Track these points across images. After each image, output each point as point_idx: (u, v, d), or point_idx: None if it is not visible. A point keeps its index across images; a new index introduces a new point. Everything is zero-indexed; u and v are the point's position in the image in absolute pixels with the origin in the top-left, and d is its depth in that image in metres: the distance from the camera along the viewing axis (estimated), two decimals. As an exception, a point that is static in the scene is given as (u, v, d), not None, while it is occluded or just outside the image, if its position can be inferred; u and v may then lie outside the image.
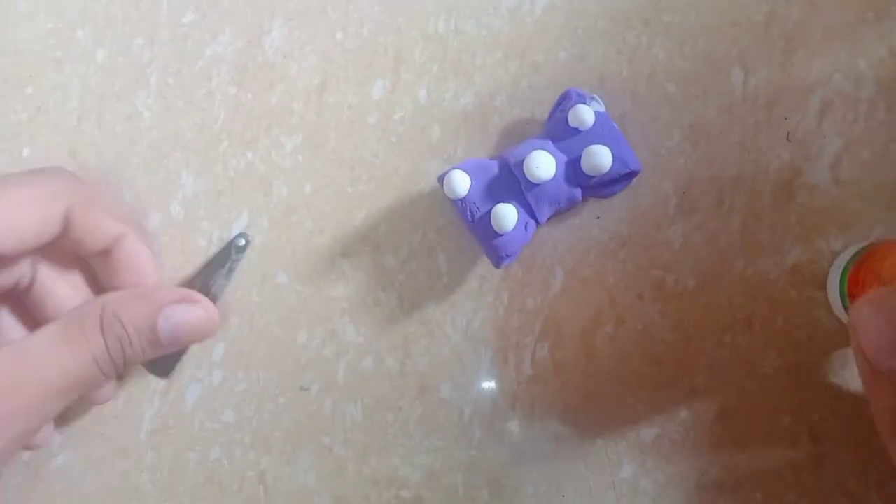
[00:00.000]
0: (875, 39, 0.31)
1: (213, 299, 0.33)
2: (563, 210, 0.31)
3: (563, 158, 0.30)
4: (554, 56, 0.33)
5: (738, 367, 0.31)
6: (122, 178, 0.35)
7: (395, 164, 0.33)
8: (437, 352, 0.33)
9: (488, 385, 0.32)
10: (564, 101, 0.31)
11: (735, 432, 0.31)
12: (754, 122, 0.31)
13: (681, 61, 0.32)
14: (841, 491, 0.30)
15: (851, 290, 0.28)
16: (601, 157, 0.29)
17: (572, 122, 0.30)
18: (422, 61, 0.34)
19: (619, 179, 0.30)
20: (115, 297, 0.28)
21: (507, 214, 0.29)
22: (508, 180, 0.30)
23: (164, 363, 0.33)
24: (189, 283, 0.34)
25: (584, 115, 0.29)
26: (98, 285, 0.32)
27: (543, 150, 0.30)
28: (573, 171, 0.30)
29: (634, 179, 0.31)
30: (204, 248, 0.34)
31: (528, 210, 0.30)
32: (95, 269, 0.32)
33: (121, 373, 0.28)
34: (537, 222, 0.30)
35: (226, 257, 0.33)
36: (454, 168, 0.30)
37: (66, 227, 0.29)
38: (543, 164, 0.29)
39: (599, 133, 0.30)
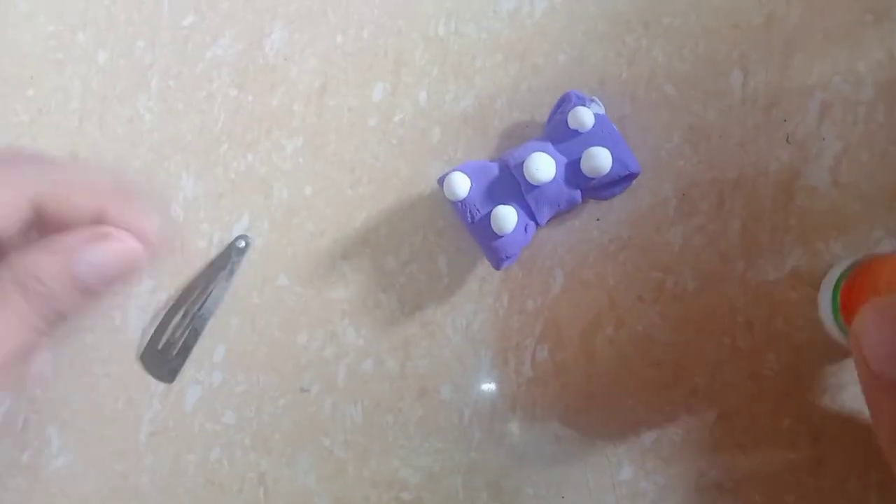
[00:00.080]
0: (874, 42, 0.31)
1: (214, 302, 0.33)
2: (563, 212, 0.31)
3: (563, 160, 0.30)
4: (554, 58, 0.33)
5: (738, 368, 0.31)
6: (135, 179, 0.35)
7: (395, 166, 0.34)
8: (438, 353, 0.33)
9: (488, 387, 0.32)
10: (564, 104, 0.31)
11: (735, 434, 0.31)
12: (754, 125, 0.31)
13: (680, 64, 0.32)
14: (840, 493, 0.30)
15: (845, 306, 0.28)
16: (601, 159, 0.29)
17: (572, 125, 0.30)
18: (422, 64, 0.34)
19: (618, 181, 0.30)
20: (25, 256, 0.27)
21: (507, 216, 0.29)
22: (508, 182, 0.30)
23: (167, 368, 0.33)
24: (190, 286, 0.34)
25: (584, 117, 0.30)
26: None
27: (543, 152, 0.30)
28: (573, 172, 0.30)
29: (634, 181, 0.31)
30: (204, 249, 0.34)
31: (527, 212, 0.30)
32: None
33: (60, 324, 0.28)
34: (537, 224, 0.30)
35: (226, 259, 0.33)
36: (454, 170, 0.30)
37: (38, 212, 0.28)
38: (543, 166, 0.29)
39: (599, 135, 0.30)
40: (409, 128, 0.34)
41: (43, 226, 0.28)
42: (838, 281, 0.29)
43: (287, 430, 0.33)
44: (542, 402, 0.32)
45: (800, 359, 0.30)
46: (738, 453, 0.31)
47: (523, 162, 0.30)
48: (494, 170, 0.31)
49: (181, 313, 0.33)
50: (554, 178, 0.30)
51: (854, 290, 0.28)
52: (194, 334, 0.33)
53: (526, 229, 0.30)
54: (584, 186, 0.30)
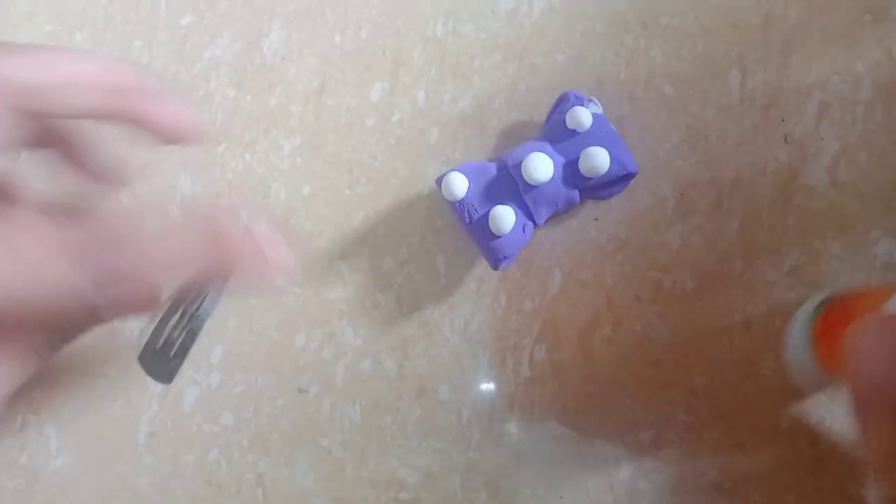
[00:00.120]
0: (873, 42, 0.31)
1: (211, 302, 0.33)
2: (561, 212, 0.31)
3: (561, 160, 0.30)
4: (552, 58, 0.33)
5: (737, 368, 0.31)
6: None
7: (393, 166, 0.34)
8: (436, 354, 0.33)
9: (486, 387, 0.32)
10: (562, 104, 0.31)
11: (733, 434, 0.31)
12: (752, 125, 0.31)
13: (678, 63, 0.32)
14: (839, 493, 0.30)
15: (822, 339, 0.27)
16: (599, 159, 0.29)
17: (570, 125, 0.30)
18: (420, 64, 0.34)
19: (616, 181, 0.30)
20: None
21: (505, 216, 0.29)
22: (506, 182, 0.30)
23: (165, 368, 0.33)
24: (187, 286, 0.33)
25: (582, 117, 0.30)
26: None
27: (541, 152, 0.30)
28: (571, 172, 0.30)
29: (632, 181, 0.31)
30: (202, 250, 0.34)
31: (525, 212, 0.30)
32: None
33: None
34: (535, 224, 0.30)
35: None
36: (452, 170, 0.30)
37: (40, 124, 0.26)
38: (541, 166, 0.29)
39: (597, 135, 0.30)
40: (407, 128, 0.34)
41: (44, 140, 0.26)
42: (812, 315, 0.28)
43: (285, 430, 0.33)
44: (540, 402, 0.32)
45: (798, 359, 0.30)
46: (737, 453, 0.31)
47: (521, 162, 0.30)
48: (492, 170, 0.31)
49: (179, 313, 0.33)
50: (552, 178, 0.30)
51: (832, 324, 0.27)
52: (192, 335, 0.33)
53: (524, 229, 0.30)
54: (582, 186, 0.30)
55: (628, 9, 0.33)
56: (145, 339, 0.34)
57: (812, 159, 0.31)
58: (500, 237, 0.30)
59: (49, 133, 0.28)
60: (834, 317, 0.27)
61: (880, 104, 0.31)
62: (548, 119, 0.32)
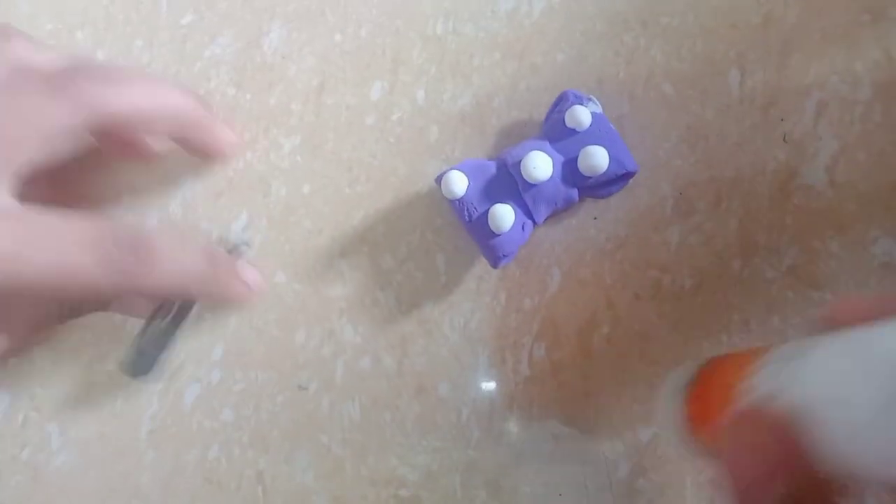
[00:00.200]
0: (871, 42, 0.31)
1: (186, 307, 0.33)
2: (560, 210, 0.31)
3: (560, 159, 0.30)
4: (552, 58, 0.33)
5: (735, 367, 0.31)
6: (122, 178, 0.35)
7: (393, 164, 0.34)
8: (435, 352, 0.33)
9: (486, 385, 0.32)
10: (561, 103, 0.31)
11: (731, 433, 0.31)
12: (751, 124, 0.32)
13: (678, 63, 0.32)
14: (837, 490, 0.30)
15: (695, 417, 0.25)
16: (598, 158, 0.29)
17: (569, 124, 0.30)
18: (420, 63, 0.34)
19: (615, 180, 0.31)
20: None
21: (505, 215, 0.29)
22: (506, 181, 0.30)
23: (142, 362, 0.32)
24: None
25: (581, 116, 0.30)
26: None
27: (541, 150, 0.30)
28: (570, 171, 0.30)
29: (631, 180, 0.31)
30: (203, 248, 0.34)
31: (525, 210, 0.30)
32: None
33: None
34: (534, 223, 0.31)
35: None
36: (452, 168, 0.30)
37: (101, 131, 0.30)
38: (541, 165, 0.29)
39: (596, 134, 0.30)
40: (406, 126, 0.34)
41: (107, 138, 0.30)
42: (684, 388, 0.26)
43: (285, 427, 0.33)
44: (539, 401, 0.32)
45: (796, 357, 0.31)
46: (735, 452, 0.31)
47: (521, 160, 0.30)
48: (492, 168, 0.31)
49: (163, 308, 0.33)
50: (551, 176, 0.30)
51: (701, 399, 0.25)
52: (171, 329, 0.33)
53: (523, 228, 0.30)
54: (581, 185, 0.30)
55: (628, 8, 0.33)
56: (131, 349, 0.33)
57: (811, 159, 0.31)
58: (499, 235, 0.30)
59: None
60: (704, 392, 0.25)
61: (879, 104, 0.31)
62: (547, 118, 0.32)
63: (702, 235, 0.31)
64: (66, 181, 0.34)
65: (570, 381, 0.32)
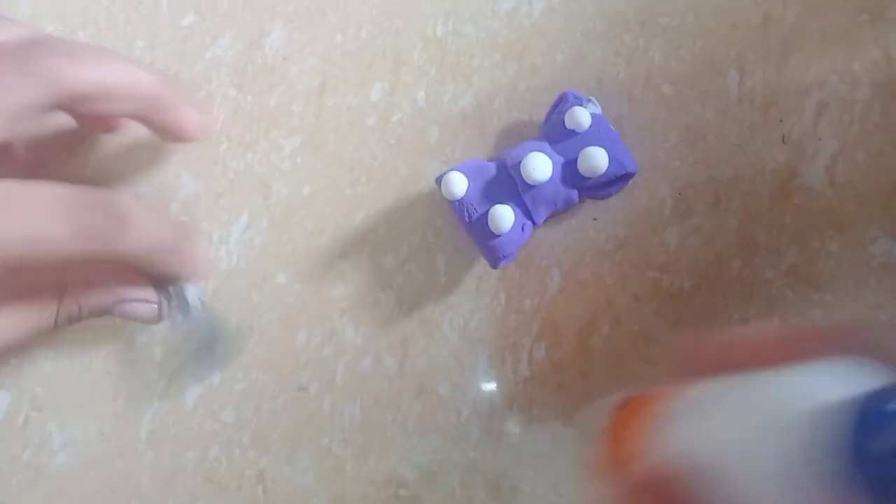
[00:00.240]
0: (871, 42, 0.31)
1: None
2: (560, 211, 0.31)
3: (560, 160, 0.30)
4: (552, 58, 0.33)
5: (735, 367, 0.31)
6: (123, 179, 0.35)
7: (393, 165, 0.34)
8: (436, 352, 0.33)
9: (486, 385, 0.32)
10: (561, 104, 0.31)
11: (731, 432, 0.31)
12: (750, 125, 0.32)
13: (677, 63, 0.32)
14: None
15: (603, 460, 0.24)
16: (597, 159, 0.29)
17: (569, 125, 0.30)
18: (420, 63, 0.34)
19: (615, 181, 0.31)
20: (80, 281, 0.29)
21: (504, 216, 0.30)
22: (506, 182, 0.30)
23: (209, 356, 0.33)
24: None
25: (581, 117, 0.30)
26: None
27: (540, 151, 0.30)
28: (570, 172, 0.30)
29: (631, 181, 0.31)
30: (203, 248, 0.34)
31: (524, 211, 0.30)
32: None
33: None
34: (534, 223, 0.31)
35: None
36: (452, 169, 0.30)
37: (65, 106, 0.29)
38: (540, 166, 0.29)
39: (596, 135, 0.30)
40: (407, 127, 0.34)
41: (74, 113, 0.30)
42: (594, 432, 0.25)
43: (286, 428, 0.33)
44: (539, 401, 0.32)
45: (796, 357, 0.31)
46: (735, 451, 0.31)
47: (520, 161, 0.30)
48: (492, 169, 0.31)
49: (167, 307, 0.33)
50: (551, 177, 0.30)
51: (610, 444, 0.24)
52: (185, 311, 0.33)
53: (523, 229, 0.30)
54: (580, 186, 0.30)
55: (628, 9, 0.33)
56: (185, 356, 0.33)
57: (810, 159, 0.31)
58: (499, 236, 0.30)
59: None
60: (611, 432, 0.24)
61: (878, 104, 0.31)
62: (547, 119, 0.32)
63: (701, 236, 0.32)
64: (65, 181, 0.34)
65: (570, 382, 0.32)
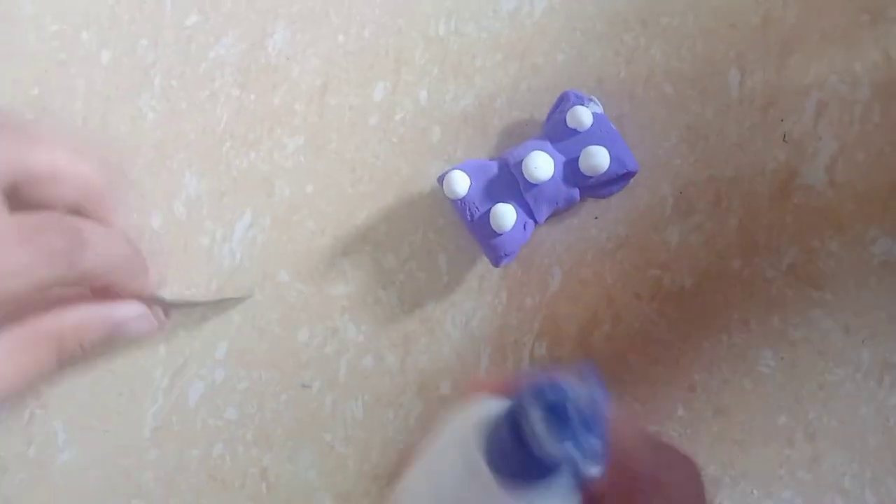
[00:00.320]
0: (870, 42, 0.31)
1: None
2: (562, 210, 0.31)
3: (562, 159, 0.30)
4: (553, 58, 0.33)
5: (735, 365, 0.31)
6: (127, 178, 0.35)
7: (395, 164, 0.34)
8: (437, 350, 0.33)
9: (487, 383, 0.33)
10: (563, 103, 0.31)
11: (732, 430, 0.31)
12: (751, 124, 0.32)
13: (678, 63, 0.32)
14: (836, 489, 0.30)
15: None
16: (599, 158, 0.29)
17: (570, 124, 0.30)
18: (422, 63, 0.34)
19: (616, 180, 0.31)
20: (75, 320, 0.29)
21: (506, 214, 0.30)
22: (507, 181, 0.31)
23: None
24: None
25: (582, 116, 0.30)
26: None
27: (542, 150, 0.30)
28: (571, 171, 0.30)
29: (632, 180, 0.32)
30: (206, 247, 0.34)
31: (526, 210, 0.30)
32: None
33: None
34: (536, 222, 0.31)
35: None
36: (454, 168, 0.31)
37: (12, 189, 0.28)
38: (542, 165, 0.30)
39: (597, 134, 0.30)
40: (409, 127, 0.34)
41: (12, 199, 0.28)
42: None
43: (288, 425, 0.33)
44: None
45: (795, 355, 0.31)
46: (736, 449, 0.31)
47: (522, 160, 0.30)
48: (494, 168, 0.31)
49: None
50: (552, 176, 0.30)
51: None
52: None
53: (525, 227, 0.30)
54: (582, 185, 0.30)
55: (628, 9, 0.33)
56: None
57: (810, 159, 0.31)
58: (501, 235, 0.30)
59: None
60: None
61: (878, 104, 0.31)
62: (548, 118, 0.32)
63: (702, 235, 0.32)
64: None
65: (572, 380, 0.32)
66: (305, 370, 0.33)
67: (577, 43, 0.33)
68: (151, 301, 0.32)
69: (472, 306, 0.33)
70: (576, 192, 0.30)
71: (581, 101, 0.30)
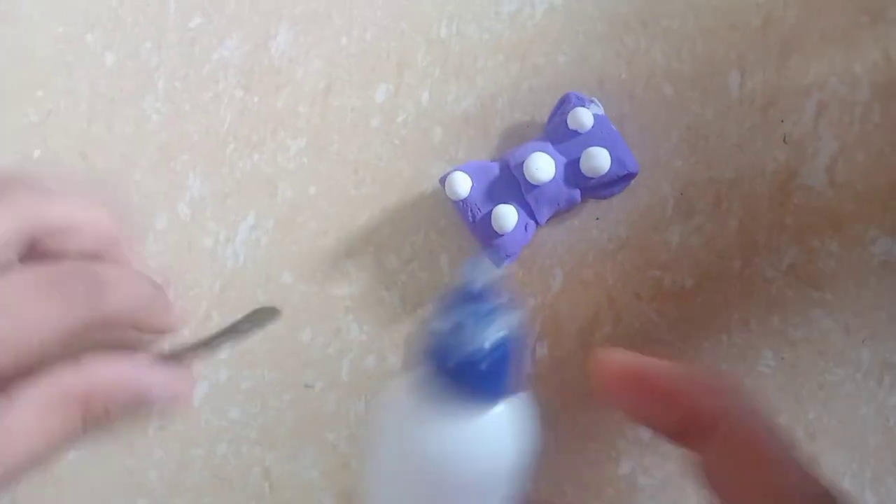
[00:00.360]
0: (870, 43, 0.31)
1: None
2: (563, 211, 0.32)
3: (563, 160, 0.30)
4: (554, 59, 0.34)
5: (735, 365, 0.31)
6: (130, 179, 0.36)
7: (397, 166, 0.34)
8: (439, 350, 0.33)
9: (489, 383, 0.33)
10: (564, 104, 0.31)
11: (732, 430, 0.31)
12: (751, 125, 0.32)
13: (679, 64, 0.33)
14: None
15: None
16: (600, 159, 0.30)
17: (571, 125, 0.30)
18: (424, 65, 0.34)
19: (617, 181, 0.31)
20: (103, 382, 0.29)
21: (508, 215, 0.30)
22: (509, 182, 0.31)
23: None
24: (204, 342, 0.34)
25: (583, 117, 0.30)
26: None
27: (543, 151, 0.30)
28: (572, 172, 0.30)
29: (633, 181, 0.32)
30: (210, 248, 0.35)
31: (527, 211, 0.31)
32: None
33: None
34: (537, 223, 0.31)
35: (247, 326, 0.34)
36: (455, 170, 0.31)
37: (29, 244, 0.29)
38: (543, 166, 0.30)
39: (598, 135, 0.30)
40: (411, 128, 0.34)
41: (31, 254, 0.29)
42: None
43: (292, 425, 0.34)
44: (541, 399, 0.32)
45: (795, 355, 0.31)
46: (736, 449, 0.31)
47: (523, 162, 0.30)
48: (495, 169, 0.31)
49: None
50: (553, 177, 0.30)
51: None
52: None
53: (526, 228, 0.31)
54: (583, 186, 0.31)
55: (629, 10, 0.33)
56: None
57: (810, 159, 0.31)
58: (502, 236, 0.30)
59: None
60: None
61: (878, 105, 0.31)
62: (550, 120, 0.32)
63: (702, 235, 0.32)
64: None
65: (572, 379, 0.32)
66: (308, 370, 0.34)
67: (579, 44, 0.33)
68: (178, 355, 0.32)
69: (474, 307, 0.33)
70: (577, 194, 0.31)
71: (582, 103, 0.31)
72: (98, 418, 0.28)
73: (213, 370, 0.34)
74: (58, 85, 0.37)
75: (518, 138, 0.33)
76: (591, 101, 0.31)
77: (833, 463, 0.30)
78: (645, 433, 0.31)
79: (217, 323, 0.34)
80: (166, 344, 0.33)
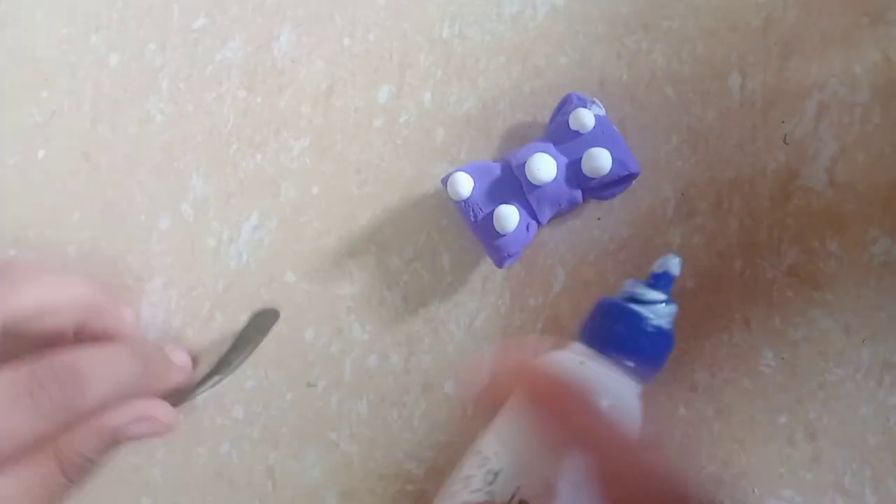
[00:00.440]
0: (870, 44, 0.32)
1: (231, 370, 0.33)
2: (564, 211, 0.32)
3: (564, 161, 0.31)
4: (555, 60, 0.34)
5: (736, 365, 0.31)
6: (134, 179, 0.36)
7: (400, 166, 0.34)
8: (441, 350, 0.33)
9: (491, 382, 0.33)
10: (565, 105, 0.32)
11: (732, 430, 0.31)
12: (752, 126, 0.32)
13: (679, 66, 0.33)
14: (836, 489, 0.30)
15: None
16: (601, 160, 0.30)
17: (573, 126, 0.30)
18: (426, 66, 0.35)
19: (618, 181, 0.31)
20: (71, 442, 0.28)
21: (509, 215, 0.30)
22: (510, 182, 0.31)
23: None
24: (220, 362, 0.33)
25: (585, 118, 0.30)
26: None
27: (545, 152, 0.30)
28: (574, 173, 0.30)
29: (634, 181, 0.32)
30: (213, 248, 0.35)
31: (529, 211, 0.31)
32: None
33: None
34: (539, 223, 0.31)
35: (254, 335, 0.33)
36: (457, 170, 0.31)
37: (8, 330, 0.28)
38: (545, 167, 0.30)
39: (599, 136, 0.30)
40: (413, 129, 0.34)
41: (12, 337, 0.29)
42: None
43: (294, 423, 0.34)
44: (543, 398, 0.32)
45: (796, 355, 0.31)
46: (736, 448, 0.31)
47: (525, 162, 0.30)
48: (497, 170, 0.31)
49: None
50: (555, 178, 0.30)
51: None
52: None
53: (528, 228, 0.31)
54: (584, 186, 0.31)
55: (630, 12, 0.33)
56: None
57: (811, 160, 0.31)
58: (504, 236, 0.30)
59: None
60: None
61: (878, 106, 0.31)
62: (551, 120, 0.32)
63: (703, 236, 0.32)
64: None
65: (574, 379, 0.32)
66: (311, 369, 0.34)
67: (580, 46, 0.34)
68: (180, 395, 0.32)
69: (476, 307, 0.33)
70: (578, 194, 0.31)
71: (583, 104, 0.31)
72: (78, 464, 0.28)
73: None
74: (62, 85, 0.37)
75: (520, 139, 0.33)
76: (593, 102, 0.31)
77: (833, 462, 0.30)
78: (646, 432, 0.32)
79: (220, 323, 0.34)
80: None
